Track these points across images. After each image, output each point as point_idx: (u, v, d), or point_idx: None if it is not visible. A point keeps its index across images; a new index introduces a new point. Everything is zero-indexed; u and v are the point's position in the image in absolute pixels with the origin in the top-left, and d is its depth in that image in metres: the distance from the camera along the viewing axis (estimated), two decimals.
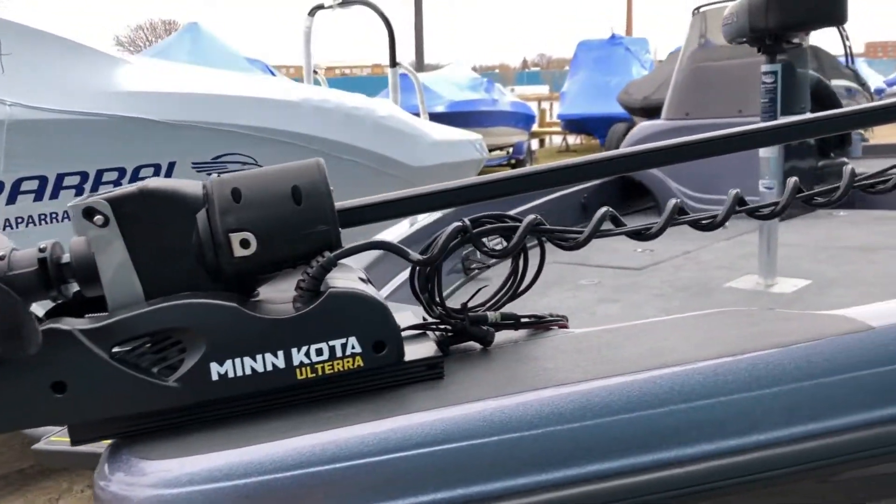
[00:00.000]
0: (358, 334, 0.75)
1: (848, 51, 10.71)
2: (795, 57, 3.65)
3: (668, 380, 0.74)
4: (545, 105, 21.88)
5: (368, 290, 0.78)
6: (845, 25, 11.09)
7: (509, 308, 0.93)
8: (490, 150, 13.90)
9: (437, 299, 0.85)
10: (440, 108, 12.38)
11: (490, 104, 13.31)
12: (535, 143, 19.78)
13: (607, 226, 0.85)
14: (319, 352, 0.75)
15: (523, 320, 0.91)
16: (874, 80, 20.44)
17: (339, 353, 0.75)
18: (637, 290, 2.24)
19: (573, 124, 16.34)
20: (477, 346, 0.87)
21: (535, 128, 19.82)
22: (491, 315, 0.89)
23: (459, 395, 0.74)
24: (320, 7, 5.39)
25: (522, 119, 14.49)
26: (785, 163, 3.35)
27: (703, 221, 0.87)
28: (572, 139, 18.48)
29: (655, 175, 3.39)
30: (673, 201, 0.86)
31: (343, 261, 0.77)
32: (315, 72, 6.18)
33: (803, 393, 0.76)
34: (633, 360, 0.77)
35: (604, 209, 0.84)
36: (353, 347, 0.75)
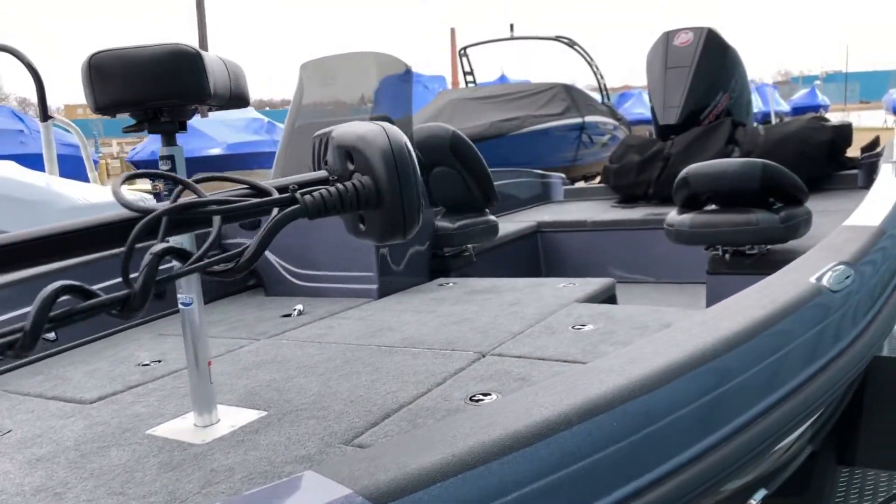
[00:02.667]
0: None
1: (603, 89, 11.42)
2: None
3: None
4: None
5: None
6: (598, 66, 11.67)
7: None
8: None
9: None
10: (217, 151, 11.89)
11: (272, 145, 12.95)
12: None
13: None
14: None
15: None
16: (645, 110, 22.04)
17: None
18: (20, 451, 1.57)
19: None
20: None
21: None
22: None
23: None
24: None
25: None
26: None
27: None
28: None
29: None
30: None
31: None
32: None
33: None
34: None
35: None
36: None
